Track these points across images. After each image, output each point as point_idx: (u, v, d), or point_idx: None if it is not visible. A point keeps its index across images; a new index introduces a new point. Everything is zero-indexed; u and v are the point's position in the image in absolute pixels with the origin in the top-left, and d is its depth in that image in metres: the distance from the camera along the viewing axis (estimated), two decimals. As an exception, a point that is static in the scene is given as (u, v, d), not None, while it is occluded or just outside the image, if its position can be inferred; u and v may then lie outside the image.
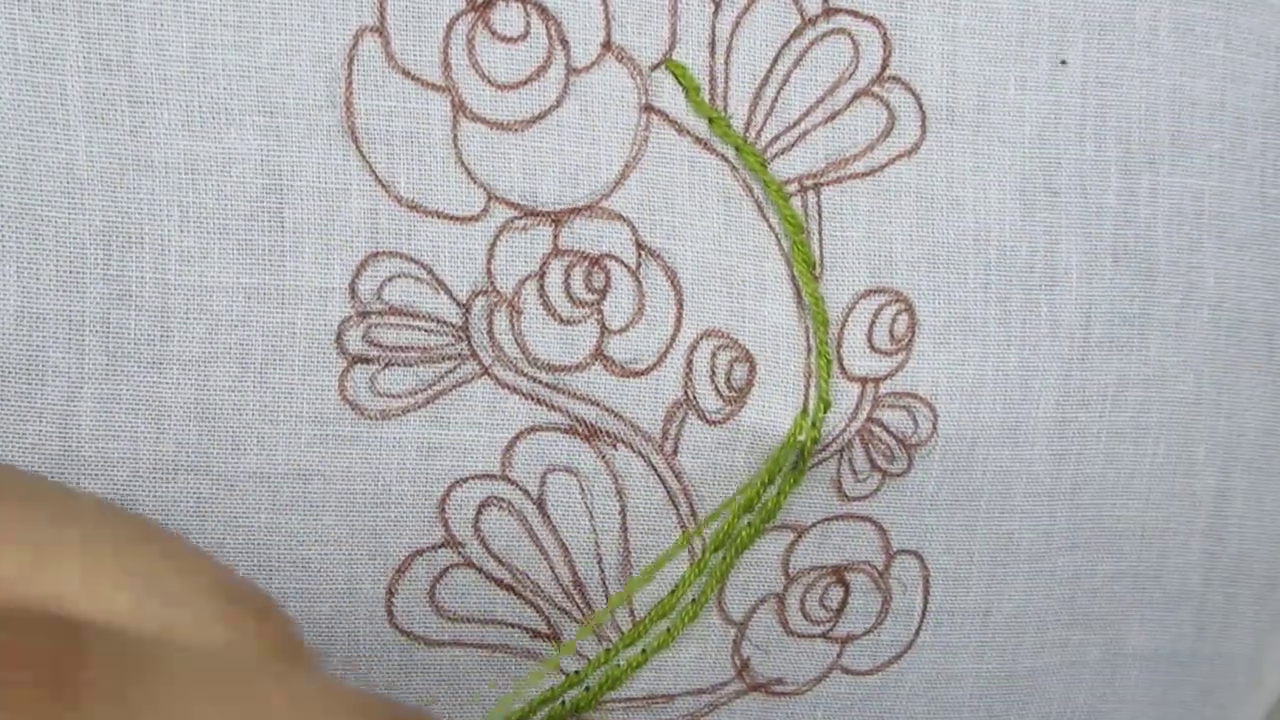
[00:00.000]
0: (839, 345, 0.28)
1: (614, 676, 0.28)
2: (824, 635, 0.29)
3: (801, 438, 0.28)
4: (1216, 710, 0.33)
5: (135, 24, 0.24)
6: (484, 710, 0.28)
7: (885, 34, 0.27)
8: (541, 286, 0.26)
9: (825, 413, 0.28)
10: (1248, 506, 0.32)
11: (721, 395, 0.27)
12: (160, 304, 0.25)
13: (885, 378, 0.28)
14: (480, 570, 0.27)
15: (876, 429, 0.28)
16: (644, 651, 0.28)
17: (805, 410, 0.28)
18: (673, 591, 0.28)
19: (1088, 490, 0.30)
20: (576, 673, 0.28)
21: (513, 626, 0.28)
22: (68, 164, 0.24)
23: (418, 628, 0.27)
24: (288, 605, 0.27)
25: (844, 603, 0.29)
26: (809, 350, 0.28)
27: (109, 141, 0.24)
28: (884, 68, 0.27)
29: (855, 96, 0.27)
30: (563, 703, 0.28)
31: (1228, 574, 0.32)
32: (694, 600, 0.28)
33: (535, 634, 0.28)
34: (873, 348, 0.28)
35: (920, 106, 0.27)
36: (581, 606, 0.28)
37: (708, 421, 0.27)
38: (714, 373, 0.27)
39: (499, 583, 0.27)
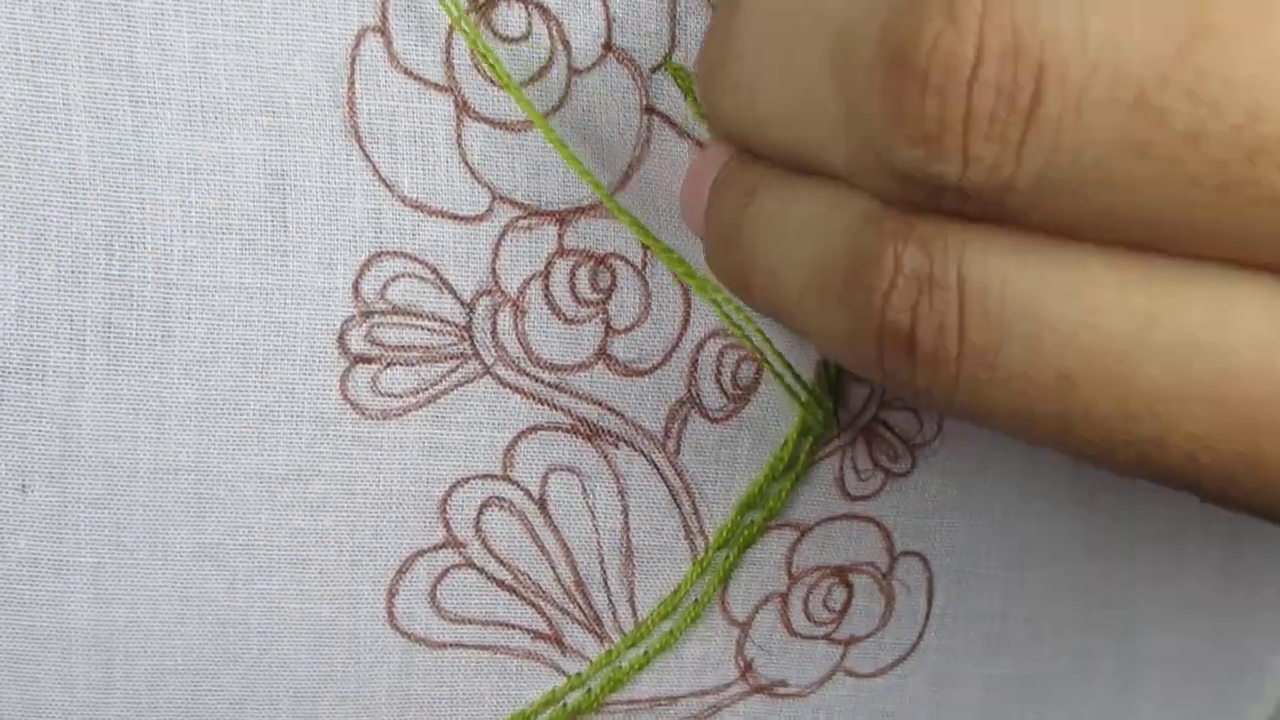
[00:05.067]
0: None
1: (616, 678, 0.28)
2: (827, 637, 0.29)
3: (807, 435, 0.28)
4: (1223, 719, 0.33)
5: (137, 24, 0.24)
6: (484, 712, 0.28)
7: None
8: (546, 286, 0.26)
9: (834, 410, 0.28)
10: None
11: (726, 394, 0.27)
12: (162, 304, 0.25)
13: None
14: (481, 571, 0.27)
15: (880, 428, 0.28)
16: (646, 653, 0.28)
17: (810, 407, 0.27)
18: (675, 591, 0.28)
19: (1105, 495, 0.30)
20: (578, 674, 0.28)
21: (514, 628, 0.27)
22: (70, 164, 0.24)
23: (419, 629, 0.27)
24: (288, 606, 0.27)
25: (847, 604, 0.29)
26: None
27: (111, 141, 0.24)
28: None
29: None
30: (564, 705, 0.28)
31: (1248, 579, 0.32)
32: (697, 600, 0.28)
33: (537, 635, 0.28)
34: None
35: None
36: (583, 607, 0.28)
37: (710, 419, 0.27)
38: (720, 371, 0.27)
39: (500, 583, 0.27)
